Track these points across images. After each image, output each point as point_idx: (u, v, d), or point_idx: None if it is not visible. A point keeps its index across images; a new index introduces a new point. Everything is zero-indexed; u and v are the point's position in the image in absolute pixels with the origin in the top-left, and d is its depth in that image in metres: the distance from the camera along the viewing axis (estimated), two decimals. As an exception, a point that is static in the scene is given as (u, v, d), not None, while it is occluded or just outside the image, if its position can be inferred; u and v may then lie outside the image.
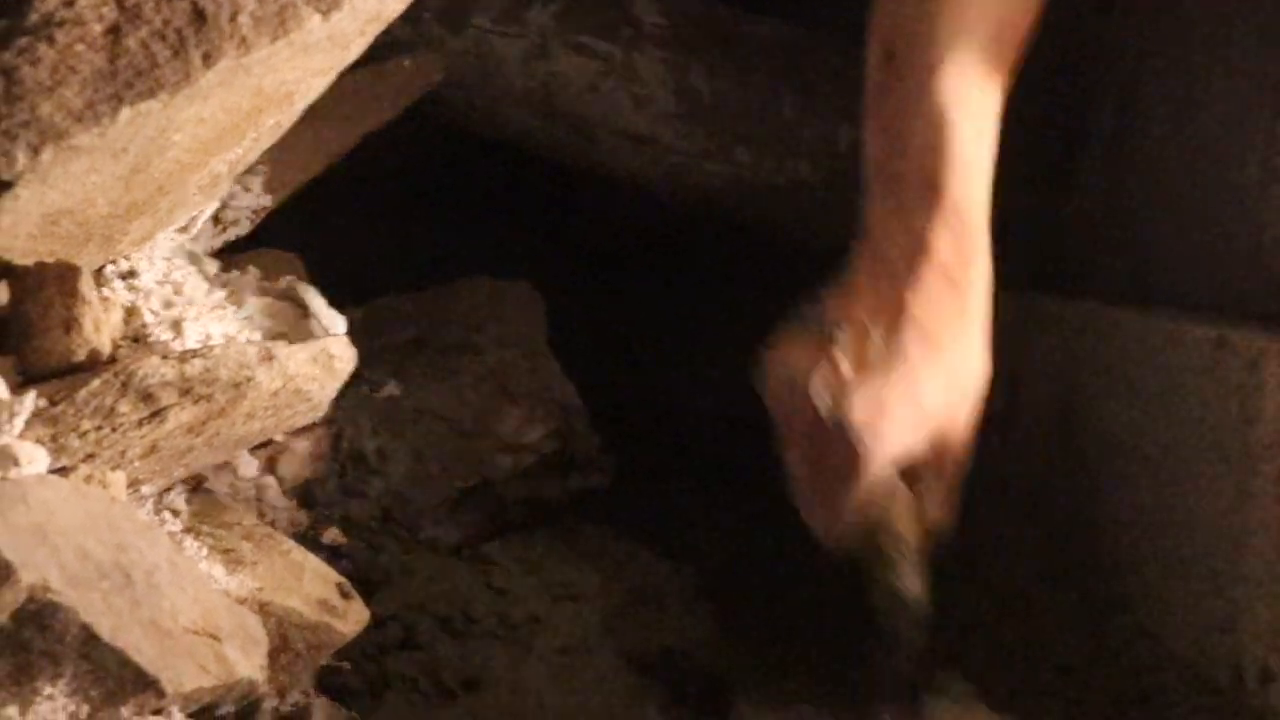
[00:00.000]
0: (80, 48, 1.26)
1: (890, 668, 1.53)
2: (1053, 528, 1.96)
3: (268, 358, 1.39)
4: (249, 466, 1.65)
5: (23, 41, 1.25)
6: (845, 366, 1.33)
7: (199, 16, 1.28)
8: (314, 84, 1.47)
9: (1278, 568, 1.55)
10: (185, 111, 1.31)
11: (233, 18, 1.28)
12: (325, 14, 1.31)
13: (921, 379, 1.34)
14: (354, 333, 1.77)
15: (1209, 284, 1.83)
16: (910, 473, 1.40)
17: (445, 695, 1.63)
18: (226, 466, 1.59)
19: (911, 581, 1.44)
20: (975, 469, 1.52)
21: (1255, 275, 1.75)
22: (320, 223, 2.01)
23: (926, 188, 1.38)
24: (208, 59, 1.28)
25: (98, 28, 1.27)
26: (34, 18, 1.26)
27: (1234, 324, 1.67)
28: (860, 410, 1.31)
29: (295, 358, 1.43)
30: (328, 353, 1.48)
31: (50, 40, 1.26)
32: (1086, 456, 1.93)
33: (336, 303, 1.68)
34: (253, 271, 1.61)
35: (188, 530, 1.47)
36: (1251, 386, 1.57)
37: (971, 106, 1.40)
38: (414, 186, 2.42)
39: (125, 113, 1.25)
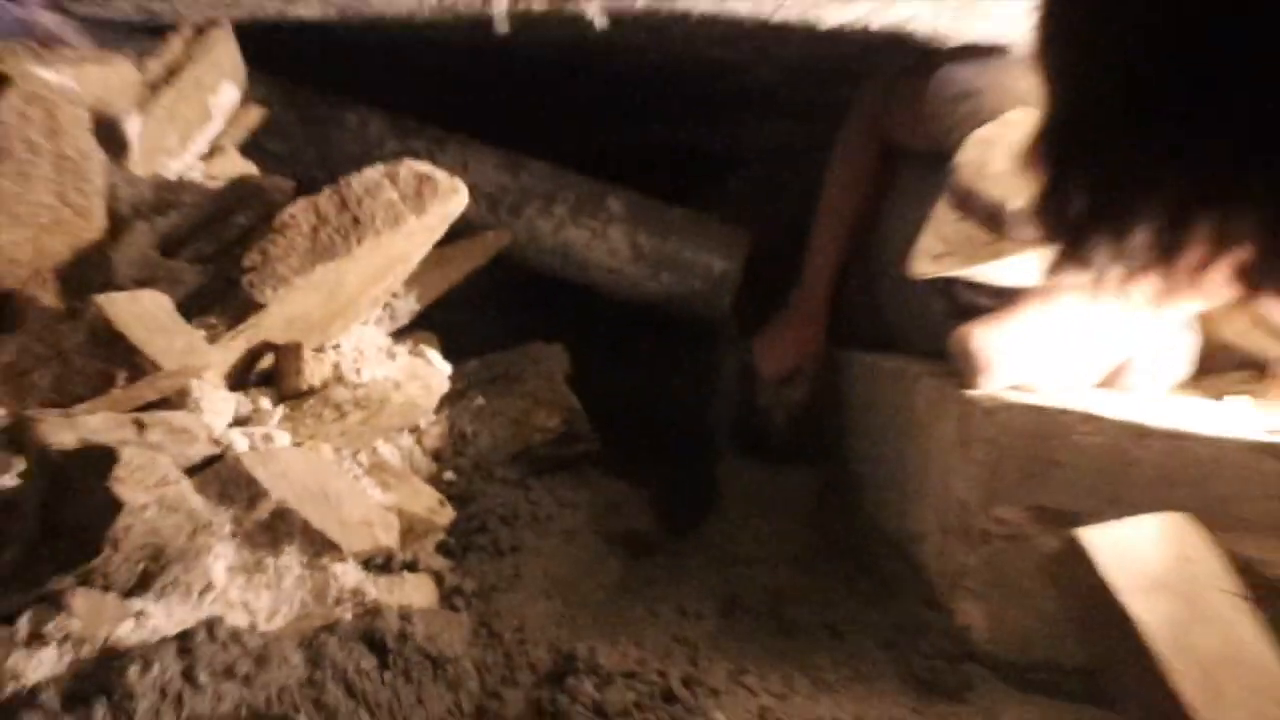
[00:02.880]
0: (297, 238, 2.38)
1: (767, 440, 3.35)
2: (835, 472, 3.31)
3: (397, 387, 2.56)
4: (406, 440, 2.76)
5: (270, 237, 2.37)
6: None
7: (356, 220, 2.42)
8: (418, 250, 2.59)
9: (925, 491, 2.75)
10: (350, 266, 2.42)
11: (371, 219, 2.41)
12: (418, 215, 2.45)
13: (788, 344, 3.29)
14: (468, 372, 3.00)
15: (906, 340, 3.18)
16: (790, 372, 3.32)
17: (500, 554, 2.63)
18: (391, 441, 2.74)
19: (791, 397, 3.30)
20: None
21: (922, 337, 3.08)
22: (468, 320, 3.28)
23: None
24: (360, 241, 2.41)
25: (306, 228, 2.40)
26: (275, 223, 2.39)
27: (908, 360, 2.94)
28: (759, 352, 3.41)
29: (411, 386, 2.57)
30: (428, 384, 2.63)
31: (283, 234, 2.39)
32: (852, 437, 3.27)
33: (461, 357, 2.94)
34: (406, 343, 2.77)
35: (365, 473, 2.57)
36: (910, 393, 2.84)
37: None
38: (516, 300, 3.77)
39: (319, 269, 2.38)
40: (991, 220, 2.59)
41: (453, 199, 2.47)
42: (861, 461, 3.24)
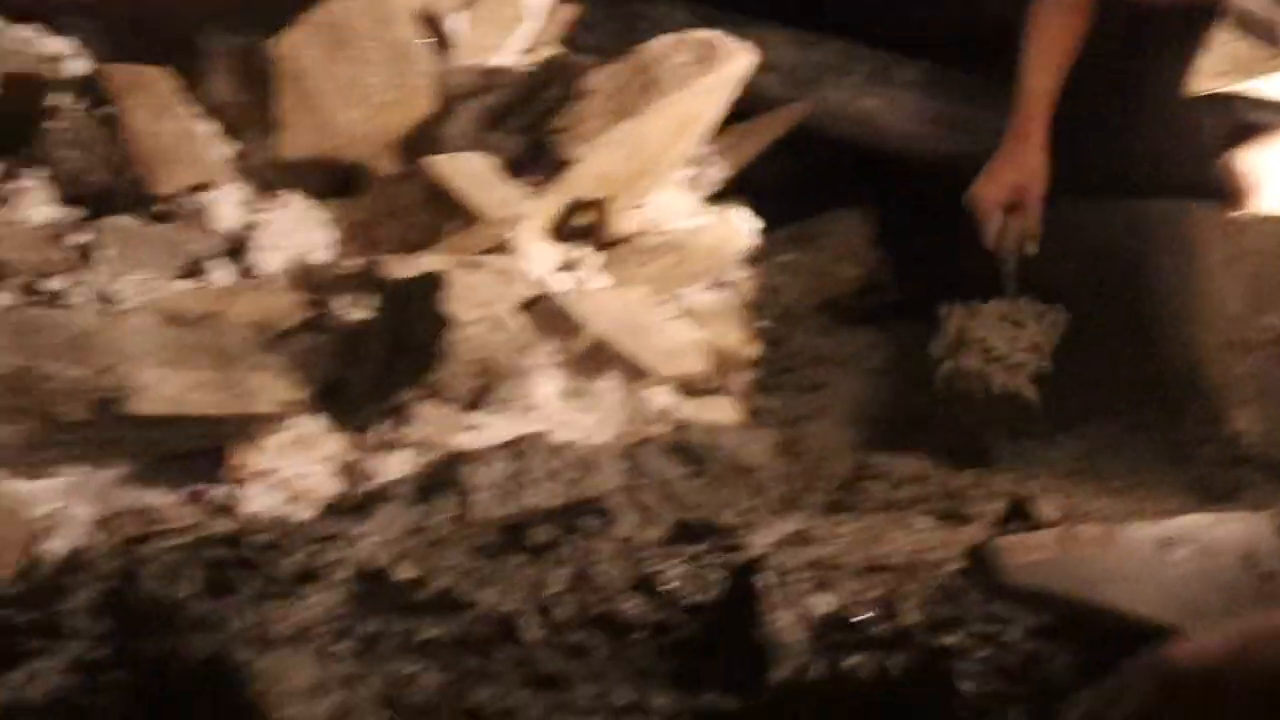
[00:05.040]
0: (598, 101, 2.66)
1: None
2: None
3: (700, 233, 2.83)
4: (719, 292, 2.99)
5: (574, 103, 2.67)
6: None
7: (649, 83, 2.68)
8: (709, 110, 2.83)
9: (1198, 313, 2.84)
10: (647, 125, 2.69)
11: (663, 81, 2.67)
12: (705, 75, 2.71)
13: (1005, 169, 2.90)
14: (776, 237, 3.16)
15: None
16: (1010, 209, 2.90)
17: (811, 388, 2.96)
18: (705, 291, 2.98)
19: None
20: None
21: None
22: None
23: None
24: (653, 100, 2.68)
25: (606, 92, 2.68)
26: (578, 90, 2.67)
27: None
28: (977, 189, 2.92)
29: (712, 232, 2.86)
30: (731, 232, 2.90)
31: (586, 99, 2.68)
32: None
33: (775, 223, 3.12)
34: (715, 205, 3.01)
35: (680, 315, 2.85)
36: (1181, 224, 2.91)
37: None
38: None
39: (619, 127, 2.67)
40: (1269, 35, 2.68)
41: (736, 60, 2.75)
42: (1139, 303, 3.29)
